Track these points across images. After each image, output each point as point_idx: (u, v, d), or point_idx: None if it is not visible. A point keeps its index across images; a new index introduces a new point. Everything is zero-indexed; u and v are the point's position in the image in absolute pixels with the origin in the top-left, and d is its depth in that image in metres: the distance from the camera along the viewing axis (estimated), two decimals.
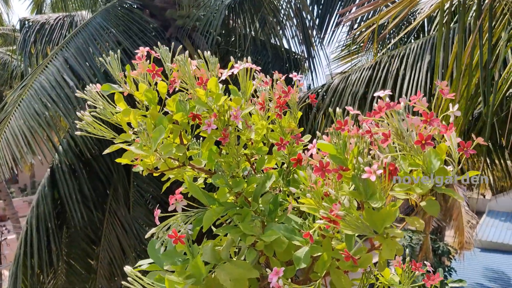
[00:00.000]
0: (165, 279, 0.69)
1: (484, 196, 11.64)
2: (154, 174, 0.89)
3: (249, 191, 0.88)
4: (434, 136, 0.73)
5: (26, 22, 5.39)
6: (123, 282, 0.70)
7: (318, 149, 0.74)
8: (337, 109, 0.75)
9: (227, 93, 0.86)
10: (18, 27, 6.61)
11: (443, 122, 0.73)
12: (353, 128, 0.73)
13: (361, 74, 3.37)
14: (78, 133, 0.81)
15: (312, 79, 4.79)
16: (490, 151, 4.35)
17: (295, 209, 0.92)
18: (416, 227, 0.69)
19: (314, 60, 4.74)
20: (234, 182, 0.82)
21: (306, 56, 4.87)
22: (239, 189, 0.81)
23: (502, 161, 4.42)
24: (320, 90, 3.64)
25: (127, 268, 0.70)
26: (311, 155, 0.76)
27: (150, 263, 0.78)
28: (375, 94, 0.73)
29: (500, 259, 8.71)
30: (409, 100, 0.74)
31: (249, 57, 0.88)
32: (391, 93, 0.71)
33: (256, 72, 0.90)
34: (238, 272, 0.75)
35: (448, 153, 0.76)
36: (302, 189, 0.72)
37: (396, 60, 3.32)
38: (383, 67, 3.27)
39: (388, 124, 0.71)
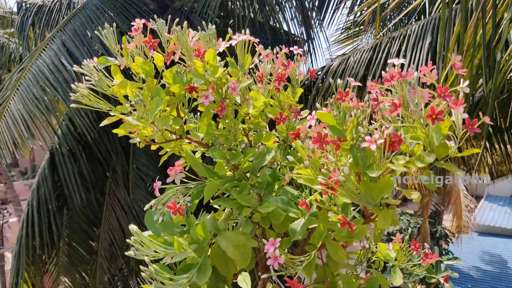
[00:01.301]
0: (174, 239, 0.69)
1: (483, 181, 11.66)
2: (152, 148, 0.89)
3: (246, 166, 0.88)
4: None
5: (24, 4, 5.32)
6: (128, 240, 0.70)
7: (317, 121, 0.74)
8: (338, 80, 0.74)
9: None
10: (15, 9, 6.53)
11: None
12: (354, 100, 0.72)
13: (361, 56, 3.34)
14: (73, 105, 0.81)
15: (312, 62, 4.76)
16: (490, 135, 4.34)
17: (292, 183, 0.93)
18: (413, 199, 0.69)
19: (314, 42, 4.69)
20: (231, 154, 0.82)
21: (305, 38, 4.82)
22: (236, 161, 0.81)
23: (501, 145, 4.42)
24: (319, 72, 3.61)
25: (132, 227, 0.71)
26: (309, 127, 0.76)
27: (148, 235, 0.78)
28: (389, 61, 0.72)
29: (497, 243, 8.79)
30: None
31: (247, 30, 0.87)
32: (404, 62, 0.71)
33: (255, 44, 0.89)
34: (240, 238, 0.75)
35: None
36: (299, 158, 0.72)
37: (396, 41, 3.28)
38: (383, 48, 3.24)
39: (392, 93, 0.70)
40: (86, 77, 0.83)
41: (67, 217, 4.77)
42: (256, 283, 1.06)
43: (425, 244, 0.95)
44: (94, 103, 0.80)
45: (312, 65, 4.70)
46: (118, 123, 0.84)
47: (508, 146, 4.56)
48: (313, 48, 4.67)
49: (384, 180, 0.67)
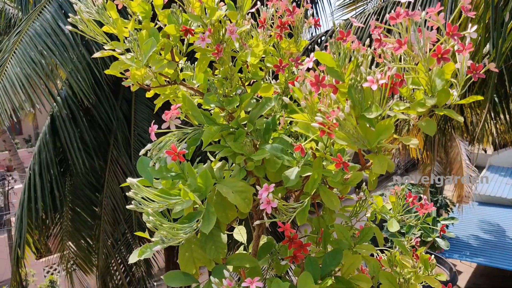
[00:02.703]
0: (181, 187, 0.68)
1: (485, 151, 11.68)
2: (147, 95, 0.87)
3: (242, 118, 0.86)
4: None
5: None
6: (128, 194, 0.69)
7: (316, 64, 0.71)
8: (341, 20, 0.71)
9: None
10: None
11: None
12: (355, 42, 0.69)
13: (366, 19, 3.26)
14: (68, 27, 0.78)
15: (315, 27, 4.65)
16: (495, 103, 4.28)
17: (290, 135, 0.91)
18: (410, 145, 0.68)
19: (317, 6, 4.56)
20: (227, 100, 0.80)
21: (309, 2, 4.69)
22: (231, 107, 0.79)
23: (506, 113, 4.36)
24: (323, 37, 3.54)
25: (131, 180, 0.70)
26: (308, 70, 0.73)
27: (139, 180, 0.77)
28: None
29: (496, 213, 8.87)
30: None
31: None
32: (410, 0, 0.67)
33: None
34: (240, 184, 0.74)
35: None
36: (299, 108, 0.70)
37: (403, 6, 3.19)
38: (389, 12, 3.15)
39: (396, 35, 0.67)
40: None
41: (70, 182, 4.81)
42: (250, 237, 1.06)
43: (422, 196, 0.95)
44: (91, 32, 0.77)
45: (315, 31, 4.60)
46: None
47: None
48: (317, 13, 4.55)
49: (383, 124, 0.65)
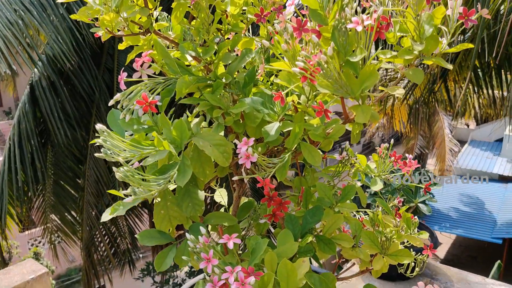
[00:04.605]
0: (154, 135, 0.64)
1: (468, 126, 11.88)
2: (119, 47, 0.82)
3: (221, 73, 0.82)
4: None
5: None
6: (97, 140, 0.66)
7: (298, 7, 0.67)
8: None
9: None
10: None
11: None
12: None
13: None
14: None
15: None
16: (478, 77, 4.29)
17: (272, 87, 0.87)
18: (396, 94, 0.65)
19: None
20: (204, 49, 0.75)
21: None
22: (208, 55, 0.74)
23: (489, 87, 4.39)
24: None
25: (99, 126, 0.66)
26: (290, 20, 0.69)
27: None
28: None
29: (476, 186, 9.08)
30: None
31: None
32: None
33: None
34: (218, 137, 0.70)
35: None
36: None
37: None
38: None
39: None
40: None
41: (52, 154, 4.72)
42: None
43: (407, 155, 0.93)
44: None
45: None
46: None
47: (496, 92, 4.54)
48: None
49: (367, 70, 0.62)
